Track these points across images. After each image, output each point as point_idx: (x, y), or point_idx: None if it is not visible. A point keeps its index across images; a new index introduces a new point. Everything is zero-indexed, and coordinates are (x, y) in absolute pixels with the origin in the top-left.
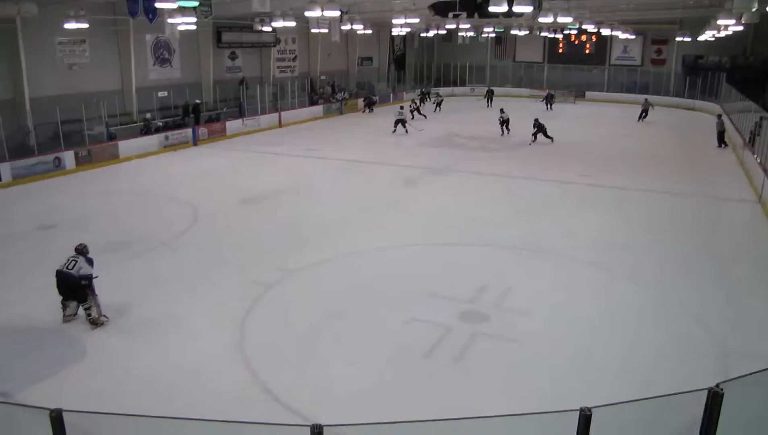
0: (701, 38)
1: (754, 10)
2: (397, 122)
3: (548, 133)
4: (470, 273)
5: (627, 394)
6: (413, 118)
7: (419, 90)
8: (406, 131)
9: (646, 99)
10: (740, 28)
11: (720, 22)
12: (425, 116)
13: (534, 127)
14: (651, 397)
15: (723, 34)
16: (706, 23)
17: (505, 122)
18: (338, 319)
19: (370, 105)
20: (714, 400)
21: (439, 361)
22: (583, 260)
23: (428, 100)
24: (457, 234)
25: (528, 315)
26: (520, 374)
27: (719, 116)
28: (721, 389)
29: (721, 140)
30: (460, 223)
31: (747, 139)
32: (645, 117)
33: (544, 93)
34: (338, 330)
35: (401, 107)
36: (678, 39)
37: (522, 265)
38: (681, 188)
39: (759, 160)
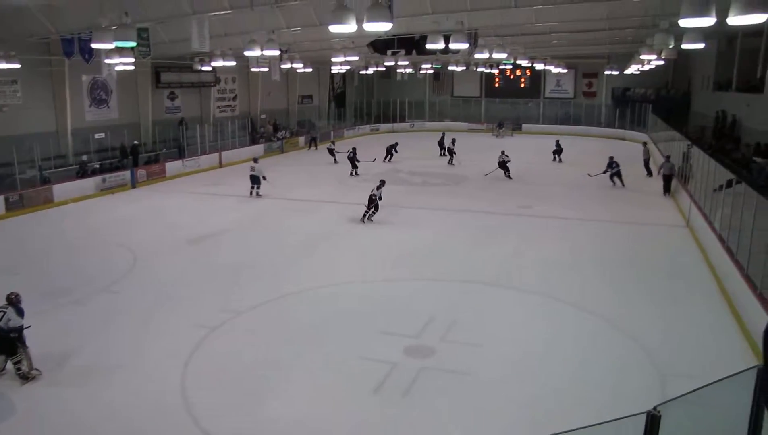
0: (628, 72)
1: (671, 46)
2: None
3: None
4: (416, 307)
5: (580, 420)
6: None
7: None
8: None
9: (645, 143)
10: (661, 62)
11: (643, 57)
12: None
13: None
14: (591, 425)
15: (647, 68)
16: (631, 58)
17: (504, 164)
18: (284, 359)
19: (312, 142)
20: (653, 423)
21: (387, 396)
22: (527, 289)
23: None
24: (402, 269)
25: (474, 347)
26: (468, 406)
27: (645, 144)
28: (659, 411)
29: (648, 168)
30: (405, 259)
31: (678, 170)
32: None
33: (496, 123)
34: (284, 371)
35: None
36: (607, 72)
37: (467, 298)
38: (617, 216)
39: (685, 186)
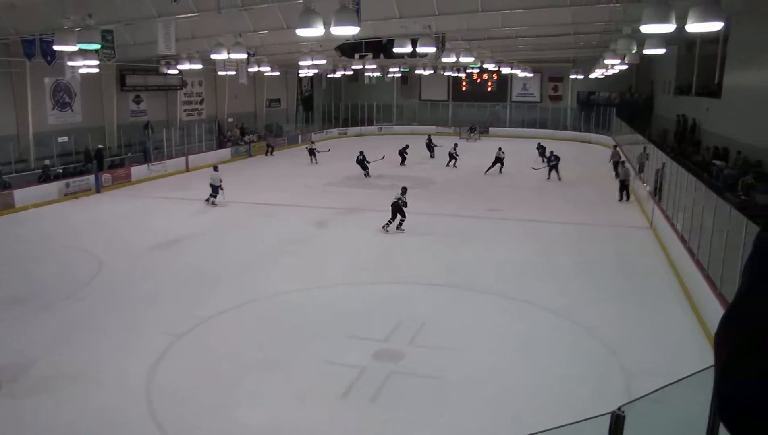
0: (592, 76)
1: (634, 51)
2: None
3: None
4: (384, 311)
5: (547, 422)
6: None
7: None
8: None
9: (615, 146)
10: (625, 67)
11: (607, 61)
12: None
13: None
14: (555, 427)
15: (611, 72)
16: (595, 62)
17: (499, 160)
18: (251, 365)
19: (269, 149)
20: (617, 423)
21: (356, 400)
22: (495, 292)
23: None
24: (370, 273)
25: (442, 350)
26: (437, 409)
27: (615, 147)
28: (623, 411)
29: (617, 172)
30: (372, 262)
31: (638, 170)
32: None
33: (467, 127)
34: (252, 377)
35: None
36: (572, 77)
37: (436, 301)
38: (583, 218)
39: (648, 189)
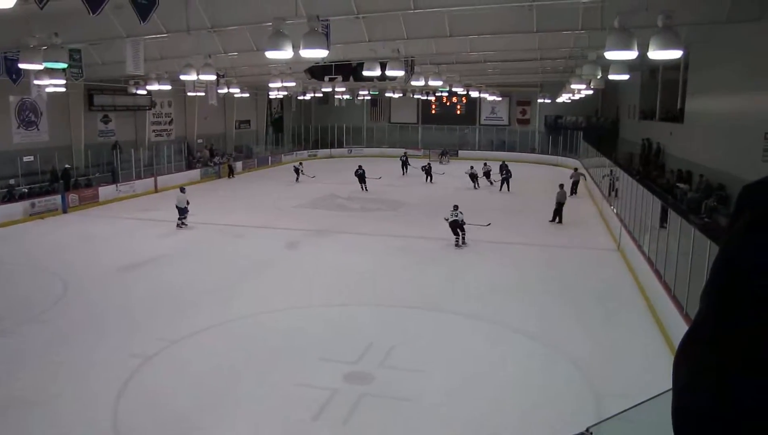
0: (559, 100)
1: (599, 77)
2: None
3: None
4: (355, 333)
5: None
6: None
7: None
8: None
9: (576, 169)
10: (591, 92)
11: (573, 86)
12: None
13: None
14: None
15: (577, 96)
16: (562, 87)
17: (474, 176)
18: (221, 387)
19: (230, 171)
20: None
21: (328, 423)
22: (466, 313)
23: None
24: (340, 295)
25: (413, 372)
26: (409, 432)
27: (576, 169)
28: (591, 432)
29: (574, 190)
30: (342, 284)
31: (608, 192)
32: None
33: (439, 152)
34: (221, 399)
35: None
36: (540, 101)
37: (406, 323)
38: (551, 240)
39: (615, 211)
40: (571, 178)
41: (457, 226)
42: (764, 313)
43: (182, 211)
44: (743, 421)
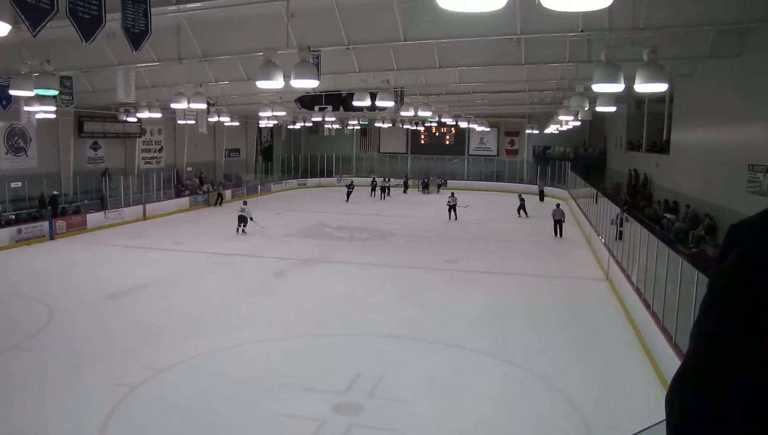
0: (547, 131)
1: (586, 108)
2: (240, 219)
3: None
4: (343, 363)
5: None
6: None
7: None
8: (244, 231)
9: (558, 205)
10: (578, 123)
11: (561, 117)
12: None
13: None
14: None
15: (565, 128)
16: (550, 118)
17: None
18: (208, 418)
19: (219, 199)
20: None
21: None
22: (455, 344)
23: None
24: (328, 324)
25: (402, 402)
26: None
27: (558, 205)
28: None
29: (557, 230)
30: (330, 314)
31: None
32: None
33: (421, 179)
34: (209, 430)
35: (245, 203)
36: (528, 131)
37: (394, 352)
38: (540, 270)
39: (603, 241)
40: (552, 215)
41: (451, 208)
42: (764, 314)
43: (243, 220)
44: (743, 422)
